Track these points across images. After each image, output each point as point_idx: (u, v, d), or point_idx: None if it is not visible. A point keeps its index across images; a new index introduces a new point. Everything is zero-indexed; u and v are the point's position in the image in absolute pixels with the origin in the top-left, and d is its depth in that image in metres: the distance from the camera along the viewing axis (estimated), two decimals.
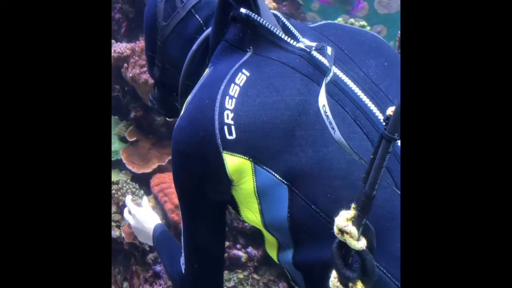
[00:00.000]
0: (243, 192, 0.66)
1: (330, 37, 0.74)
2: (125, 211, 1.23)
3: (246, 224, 1.80)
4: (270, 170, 0.63)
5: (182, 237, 0.79)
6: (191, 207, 0.75)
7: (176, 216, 1.83)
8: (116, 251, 2.06)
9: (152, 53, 0.89)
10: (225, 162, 0.64)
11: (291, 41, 0.71)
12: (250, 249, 1.82)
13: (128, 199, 1.26)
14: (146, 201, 1.24)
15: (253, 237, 1.83)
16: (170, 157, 2.05)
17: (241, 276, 1.82)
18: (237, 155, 0.63)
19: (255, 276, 1.83)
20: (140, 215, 1.17)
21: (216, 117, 0.64)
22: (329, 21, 0.83)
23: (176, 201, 1.86)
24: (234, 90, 0.65)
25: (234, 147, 0.63)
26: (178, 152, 0.71)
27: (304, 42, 0.71)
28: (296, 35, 0.73)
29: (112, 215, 2.04)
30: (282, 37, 0.71)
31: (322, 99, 0.58)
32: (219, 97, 0.66)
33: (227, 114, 0.64)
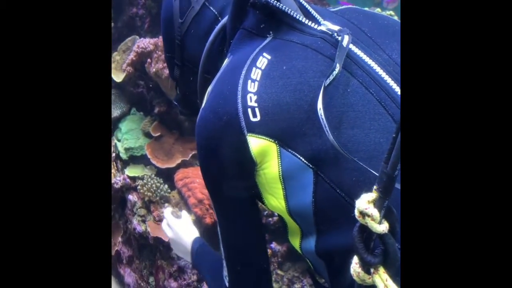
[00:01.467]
0: (267, 177, 0.65)
1: (352, 20, 0.73)
2: (164, 223, 1.22)
3: (270, 219, 1.78)
4: (295, 153, 0.61)
5: (220, 242, 0.76)
6: (224, 201, 0.73)
7: (200, 211, 1.84)
8: (142, 245, 2.09)
9: (171, 54, 0.88)
10: (249, 145, 0.63)
11: (313, 24, 0.69)
12: (274, 245, 1.80)
13: (168, 211, 1.26)
14: (186, 214, 1.24)
15: (277, 232, 1.81)
16: (193, 152, 2.05)
17: None
18: (262, 137, 0.62)
19: (279, 271, 1.81)
20: (179, 228, 1.16)
21: (239, 100, 0.63)
22: (350, 6, 0.81)
23: (200, 195, 1.86)
24: (256, 74, 0.64)
25: (259, 129, 0.62)
26: (203, 143, 0.69)
27: (325, 25, 0.69)
28: (317, 18, 0.71)
29: (138, 209, 2.07)
30: (303, 21, 0.69)
31: (319, 103, 0.58)
32: (241, 81, 0.64)
33: (250, 97, 0.63)
